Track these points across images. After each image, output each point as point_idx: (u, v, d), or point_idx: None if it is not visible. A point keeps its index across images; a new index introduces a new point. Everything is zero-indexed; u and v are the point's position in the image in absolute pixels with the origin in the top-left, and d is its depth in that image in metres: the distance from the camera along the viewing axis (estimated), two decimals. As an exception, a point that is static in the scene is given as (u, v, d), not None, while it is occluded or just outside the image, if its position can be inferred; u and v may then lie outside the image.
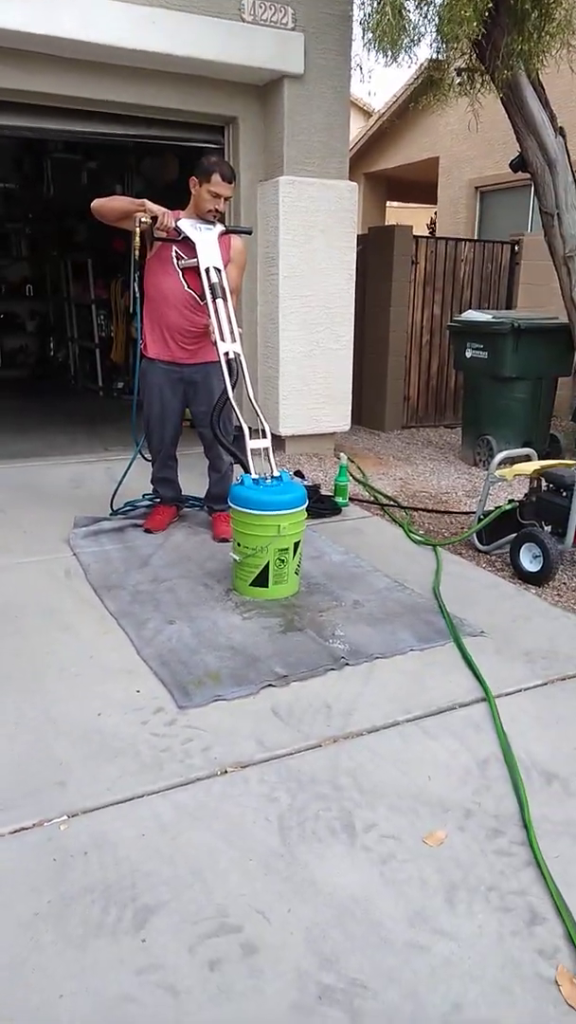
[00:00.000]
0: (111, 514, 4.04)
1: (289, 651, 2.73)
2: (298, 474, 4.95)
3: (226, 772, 2.09)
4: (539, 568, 3.45)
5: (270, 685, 2.51)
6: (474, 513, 4.14)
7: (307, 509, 3.24)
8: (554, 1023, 1.41)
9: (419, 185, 12.44)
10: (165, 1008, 1.42)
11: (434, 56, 5.95)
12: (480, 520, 3.85)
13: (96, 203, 3.53)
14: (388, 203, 14.04)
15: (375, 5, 4.73)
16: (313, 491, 4.44)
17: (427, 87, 6.23)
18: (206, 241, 3.51)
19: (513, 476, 3.78)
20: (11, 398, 8.56)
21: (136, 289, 3.66)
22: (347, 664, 2.65)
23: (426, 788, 2.04)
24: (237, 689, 2.47)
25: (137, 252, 3.49)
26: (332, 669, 2.62)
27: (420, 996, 1.46)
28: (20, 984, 1.45)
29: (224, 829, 1.88)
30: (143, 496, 4.14)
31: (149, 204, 3.46)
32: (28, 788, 2.00)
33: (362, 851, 1.82)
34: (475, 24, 4.33)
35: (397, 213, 14.60)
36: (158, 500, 4.07)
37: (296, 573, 3.21)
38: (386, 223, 12.42)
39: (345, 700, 2.44)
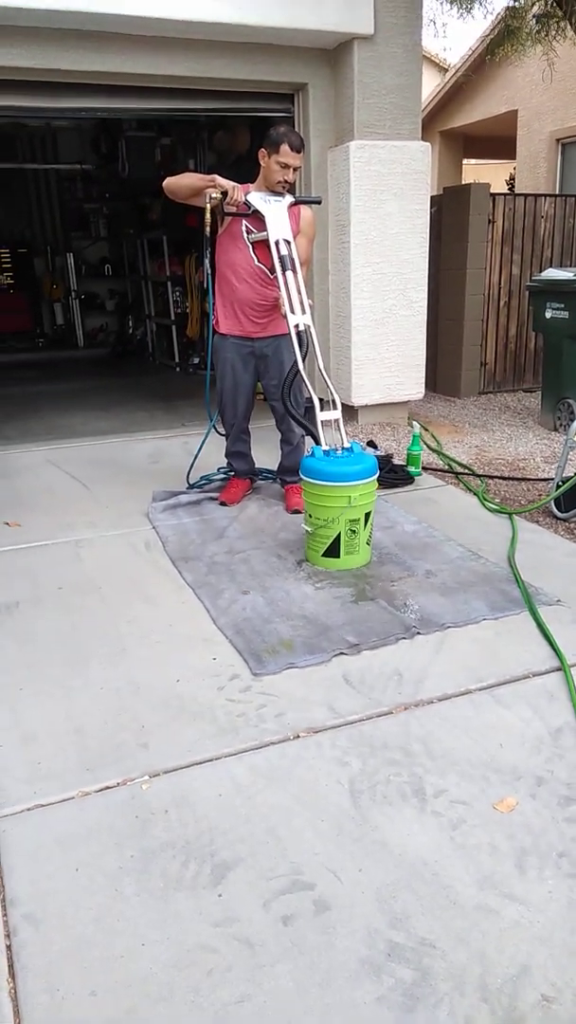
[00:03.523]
0: (188, 488, 4.14)
1: (361, 620, 2.76)
2: (371, 444, 4.93)
3: (299, 737, 2.14)
4: (620, 536, 3.36)
5: (342, 653, 2.55)
6: (552, 480, 4.04)
7: (379, 479, 3.24)
8: (624, 988, 1.42)
9: (497, 141, 12.00)
10: (242, 959, 1.50)
11: (511, 4, 5.73)
12: (558, 486, 3.76)
13: (167, 182, 3.57)
14: (465, 161, 13.60)
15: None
16: (385, 461, 4.41)
17: (504, 37, 6.01)
18: (275, 213, 3.51)
19: (593, 441, 3.67)
20: (93, 376, 8.82)
21: (208, 265, 3.70)
22: (418, 633, 2.66)
23: (497, 756, 2.04)
24: (310, 657, 2.52)
25: (208, 228, 3.52)
26: (403, 638, 2.63)
27: (488, 958, 1.49)
28: (106, 932, 1.56)
29: (297, 791, 1.94)
30: (218, 470, 4.22)
31: (219, 179, 3.47)
32: (113, 749, 2.11)
33: (432, 816, 1.85)
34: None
35: (475, 171, 14.16)
36: (232, 473, 4.14)
37: (368, 543, 3.22)
38: (463, 182, 12.06)
39: (416, 668, 2.46)
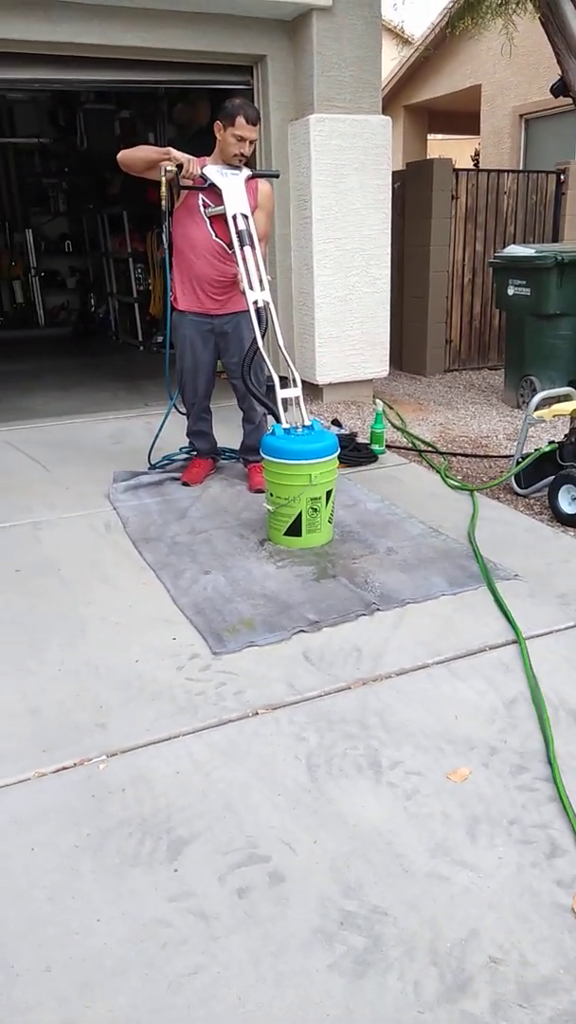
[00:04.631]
0: (149, 468, 4.11)
1: (321, 598, 2.77)
2: (335, 423, 4.93)
3: (257, 714, 2.16)
4: (577, 510, 3.41)
5: (302, 631, 2.56)
6: (513, 456, 4.08)
7: (343, 457, 3.25)
8: (568, 948, 1.46)
9: (461, 116, 11.96)
10: (196, 932, 1.51)
11: (471, -24, 5.69)
12: (518, 463, 3.80)
13: (122, 155, 3.50)
14: (430, 136, 13.53)
15: None
16: (349, 439, 4.42)
17: (465, 10, 5.97)
18: (232, 187, 3.46)
19: (552, 416, 3.71)
20: (55, 356, 8.69)
21: (165, 240, 3.64)
22: (378, 609, 2.68)
23: (452, 727, 2.08)
24: (270, 635, 2.53)
25: (165, 202, 3.46)
26: (363, 614, 2.65)
27: (439, 923, 1.52)
28: (61, 909, 1.56)
29: (255, 766, 1.95)
30: (180, 449, 4.19)
31: (174, 152, 3.42)
32: (70, 730, 2.10)
33: (387, 787, 1.87)
34: None
35: (440, 146, 14.10)
36: (194, 453, 4.11)
37: (329, 522, 3.23)
38: (428, 157, 12.01)
39: (375, 644, 2.48)
